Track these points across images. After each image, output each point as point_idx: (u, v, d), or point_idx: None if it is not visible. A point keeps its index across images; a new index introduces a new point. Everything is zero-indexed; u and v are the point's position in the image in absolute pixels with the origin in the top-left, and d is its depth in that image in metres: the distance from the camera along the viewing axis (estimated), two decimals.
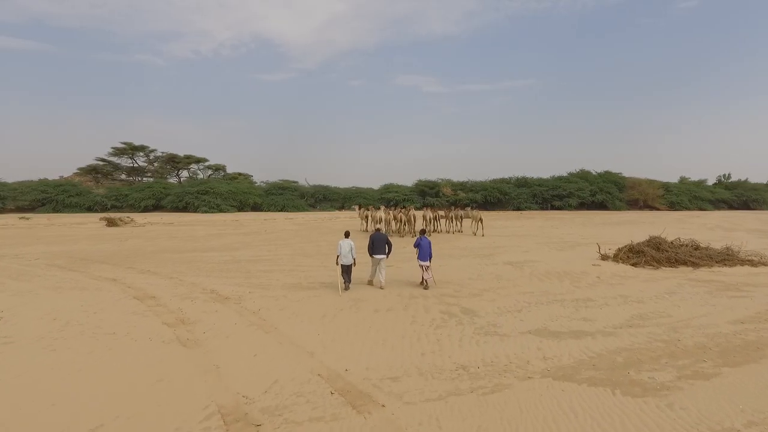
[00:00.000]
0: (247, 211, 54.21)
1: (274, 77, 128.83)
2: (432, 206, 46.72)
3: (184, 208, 51.69)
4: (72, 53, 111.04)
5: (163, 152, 64.70)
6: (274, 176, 64.59)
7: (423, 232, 9.98)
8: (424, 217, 24.79)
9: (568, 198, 60.36)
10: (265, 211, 54.72)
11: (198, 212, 50.20)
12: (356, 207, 30.69)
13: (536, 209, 59.29)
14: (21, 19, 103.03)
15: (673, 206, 61.85)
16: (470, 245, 17.97)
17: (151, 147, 63.76)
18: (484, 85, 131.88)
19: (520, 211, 56.69)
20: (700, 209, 61.76)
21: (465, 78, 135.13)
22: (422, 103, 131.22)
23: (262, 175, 73.75)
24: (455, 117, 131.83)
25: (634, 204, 62.41)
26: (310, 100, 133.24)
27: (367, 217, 26.79)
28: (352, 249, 9.20)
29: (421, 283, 9.68)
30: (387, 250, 9.54)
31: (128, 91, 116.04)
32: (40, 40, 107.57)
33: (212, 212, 50.48)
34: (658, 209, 60.49)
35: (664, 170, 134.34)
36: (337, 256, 9.13)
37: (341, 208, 58.65)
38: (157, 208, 52.77)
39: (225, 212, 51.18)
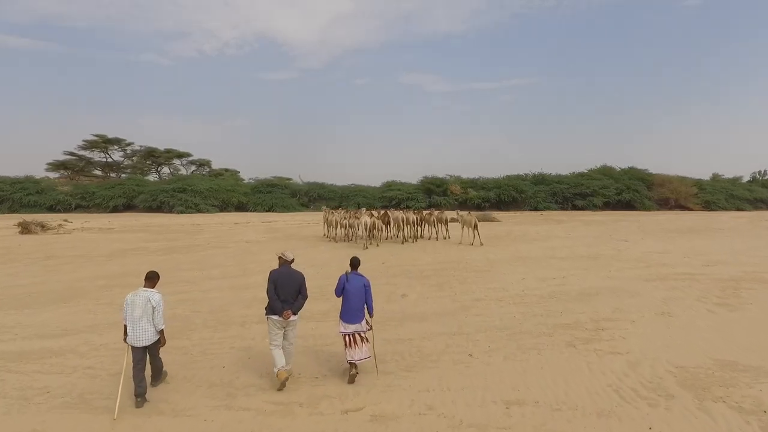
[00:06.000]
0: (230, 211, 47.90)
1: (279, 76, 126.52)
2: (415, 208, 39.27)
3: (158, 208, 45.58)
4: (77, 52, 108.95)
5: (141, 146, 58.23)
6: (277, 174, 58.48)
7: (355, 264, 5.49)
8: (405, 221, 18.93)
9: (591, 197, 53.62)
10: (251, 211, 48.37)
11: (174, 213, 44.02)
12: (324, 208, 24.06)
13: (556, 209, 52.53)
14: (26, 19, 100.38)
15: (708, 206, 54.69)
16: (522, 287, 10.97)
17: (128, 140, 57.33)
18: (491, 83, 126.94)
19: (539, 212, 49.97)
20: (738, 209, 54.80)
21: (471, 76, 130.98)
22: (428, 101, 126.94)
23: (266, 174, 67.70)
24: (462, 115, 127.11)
25: (664, 203, 55.34)
26: (315, 98, 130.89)
27: (329, 220, 20.78)
28: (156, 309, 4.64)
29: (349, 379, 5.17)
30: (300, 303, 5.22)
31: (132, 90, 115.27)
32: (46, 40, 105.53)
33: (189, 213, 44.38)
34: (691, 209, 53.47)
35: (675, 167, 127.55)
36: (125, 327, 4.67)
37: (337, 207, 52.27)
38: (128, 207, 46.73)
39: (204, 213, 45.16)
